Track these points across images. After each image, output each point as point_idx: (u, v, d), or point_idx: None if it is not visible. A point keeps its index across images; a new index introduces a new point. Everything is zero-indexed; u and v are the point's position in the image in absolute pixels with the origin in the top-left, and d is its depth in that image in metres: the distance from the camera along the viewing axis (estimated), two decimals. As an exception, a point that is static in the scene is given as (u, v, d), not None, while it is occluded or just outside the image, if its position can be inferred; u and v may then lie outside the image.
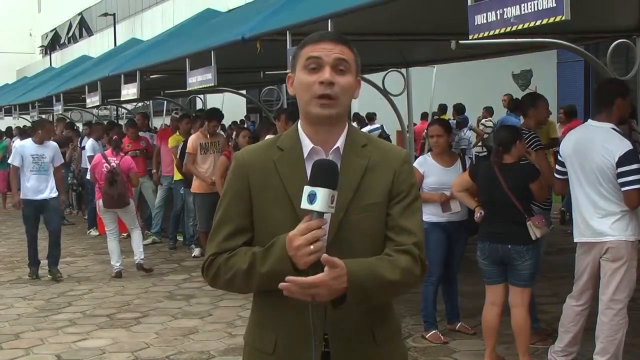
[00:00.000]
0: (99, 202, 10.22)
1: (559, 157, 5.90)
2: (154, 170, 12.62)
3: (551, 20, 4.10)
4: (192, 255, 11.26)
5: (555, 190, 6.41)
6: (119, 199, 9.97)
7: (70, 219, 15.96)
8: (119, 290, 9.37)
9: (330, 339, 2.48)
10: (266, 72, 10.91)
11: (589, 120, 5.78)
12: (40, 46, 58.50)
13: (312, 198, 2.31)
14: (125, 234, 11.48)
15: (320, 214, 2.33)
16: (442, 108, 16.68)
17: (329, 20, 6.13)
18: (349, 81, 2.49)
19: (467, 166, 6.87)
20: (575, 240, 5.69)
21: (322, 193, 2.31)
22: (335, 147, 2.52)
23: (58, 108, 17.12)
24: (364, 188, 2.50)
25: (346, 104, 2.51)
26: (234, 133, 14.51)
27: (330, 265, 2.30)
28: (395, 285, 2.44)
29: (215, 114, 10.99)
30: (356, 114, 19.23)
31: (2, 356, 6.89)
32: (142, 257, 10.37)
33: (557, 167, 5.90)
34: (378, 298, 2.46)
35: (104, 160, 10.22)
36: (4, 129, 25.45)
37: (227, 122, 21.38)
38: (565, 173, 5.77)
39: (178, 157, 11.39)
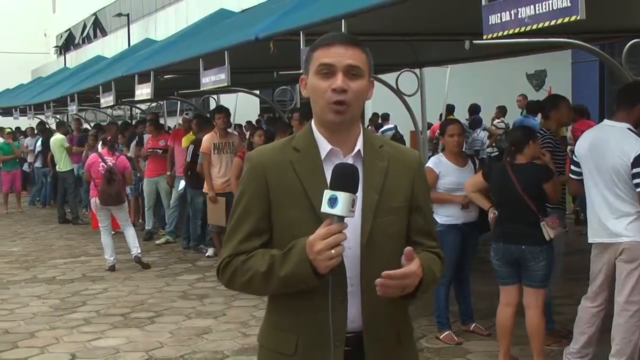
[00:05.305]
0: (95, 200, 10.52)
1: (574, 157, 5.86)
2: (168, 173, 12.62)
3: (566, 19, 4.07)
4: (206, 255, 11.29)
5: (570, 191, 6.38)
6: (116, 197, 10.39)
7: (85, 219, 16.00)
8: (133, 289, 9.41)
9: (366, 339, 2.50)
10: (279, 72, 10.90)
11: (605, 120, 5.74)
12: (55, 46, 58.70)
13: (333, 202, 2.30)
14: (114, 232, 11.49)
15: (341, 218, 2.32)
16: (450, 109, 16.65)
17: (342, 21, 6.11)
18: (362, 85, 2.48)
19: (477, 167, 6.86)
20: (590, 241, 5.65)
21: (343, 197, 2.30)
22: (356, 150, 2.53)
23: (72, 108, 17.19)
24: (388, 190, 2.52)
25: (359, 108, 2.52)
26: (248, 133, 14.53)
27: (411, 256, 2.38)
28: (437, 281, 2.64)
29: (222, 108, 11.04)
30: (375, 114, 19.17)
31: (17, 355, 6.93)
32: (139, 251, 10.73)
33: (572, 167, 5.86)
34: (430, 291, 2.60)
35: (100, 160, 10.54)
36: (15, 129, 25.58)
37: (241, 122, 21.44)
38: (580, 173, 5.73)
39: (188, 159, 11.35)
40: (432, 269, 2.53)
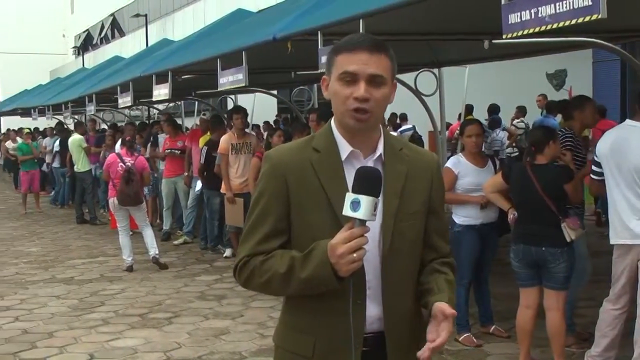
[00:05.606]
0: (114, 200, 10.54)
1: (595, 157, 5.80)
2: (185, 173, 12.63)
3: (587, 18, 4.01)
4: (224, 255, 11.26)
5: (592, 192, 6.32)
6: (135, 197, 10.39)
7: (103, 219, 16.05)
8: (150, 290, 9.41)
9: (388, 339, 2.50)
10: (297, 72, 10.87)
11: (626, 120, 5.68)
12: (73, 47, 59.03)
13: (355, 206, 2.28)
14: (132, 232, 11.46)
15: (363, 222, 2.30)
16: (469, 109, 16.60)
17: (360, 20, 6.07)
18: (384, 93, 2.45)
19: (497, 167, 6.80)
20: (611, 243, 5.58)
21: (366, 201, 2.28)
22: (378, 154, 2.51)
23: (90, 108, 17.25)
24: (407, 194, 2.52)
25: (381, 114, 2.51)
26: (266, 133, 14.47)
27: (449, 314, 2.37)
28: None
29: (239, 108, 11.01)
30: (393, 114, 19.09)
31: (36, 354, 6.95)
32: (157, 251, 10.73)
33: (594, 167, 5.80)
34: None
35: (119, 160, 10.56)
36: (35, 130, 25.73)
37: (258, 122, 21.45)
38: (601, 174, 5.67)
39: (202, 161, 11.35)
40: (452, 300, 2.50)
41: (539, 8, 4.35)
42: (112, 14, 52.66)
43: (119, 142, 14.05)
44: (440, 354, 6.35)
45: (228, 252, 11.20)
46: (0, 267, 11.42)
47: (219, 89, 9.69)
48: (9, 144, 25.29)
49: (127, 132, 14.69)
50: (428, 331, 2.39)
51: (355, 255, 2.30)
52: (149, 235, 10.65)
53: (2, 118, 41.87)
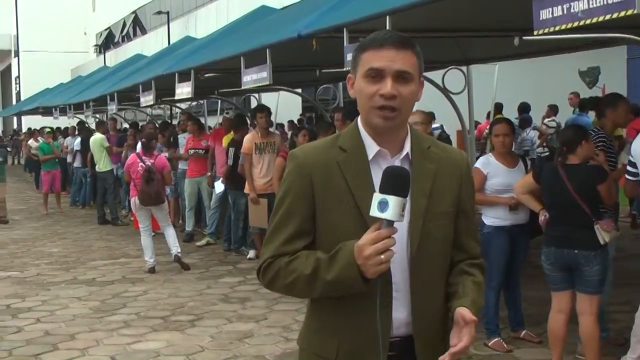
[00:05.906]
0: (135, 200, 10.50)
1: (630, 157, 5.65)
2: (208, 173, 12.53)
3: (621, 14, 3.93)
4: (247, 257, 11.17)
5: (627, 193, 6.16)
6: (156, 197, 10.35)
7: (124, 219, 16.01)
8: (173, 292, 9.33)
9: (417, 342, 2.47)
10: (322, 70, 10.78)
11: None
12: (95, 45, 59.24)
13: (383, 206, 2.24)
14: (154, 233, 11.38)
15: (390, 223, 2.25)
16: (498, 107, 16.36)
17: (387, 17, 5.98)
18: (412, 90, 2.42)
19: (529, 167, 6.65)
20: (647, 246, 5.44)
21: (394, 201, 2.23)
22: (405, 153, 2.47)
23: (112, 107, 17.20)
24: (436, 194, 2.47)
25: (408, 112, 2.46)
26: (290, 133, 14.36)
27: (469, 319, 2.35)
28: (482, 308, 2.58)
29: (263, 107, 10.91)
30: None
31: (58, 357, 6.91)
32: (179, 250, 10.68)
33: (628, 167, 5.67)
34: None
35: (139, 160, 10.54)
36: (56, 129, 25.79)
37: (282, 121, 21.34)
38: (636, 174, 5.53)
39: (230, 163, 11.23)
40: (477, 303, 2.46)
41: (571, 3, 4.28)
42: (134, 12, 52.78)
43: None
44: (468, 358, 6.22)
45: (252, 253, 11.10)
46: (21, 267, 11.41)
47: (243, 88, 9.60)
48: (31, 142, 25.38)
49: (144, 132, 14.57)
50: (451, 336, 2.37)
51: (382, 257, 2.26)
52: (171, 234, 10.59)
53: (23, 117, 42.17)
